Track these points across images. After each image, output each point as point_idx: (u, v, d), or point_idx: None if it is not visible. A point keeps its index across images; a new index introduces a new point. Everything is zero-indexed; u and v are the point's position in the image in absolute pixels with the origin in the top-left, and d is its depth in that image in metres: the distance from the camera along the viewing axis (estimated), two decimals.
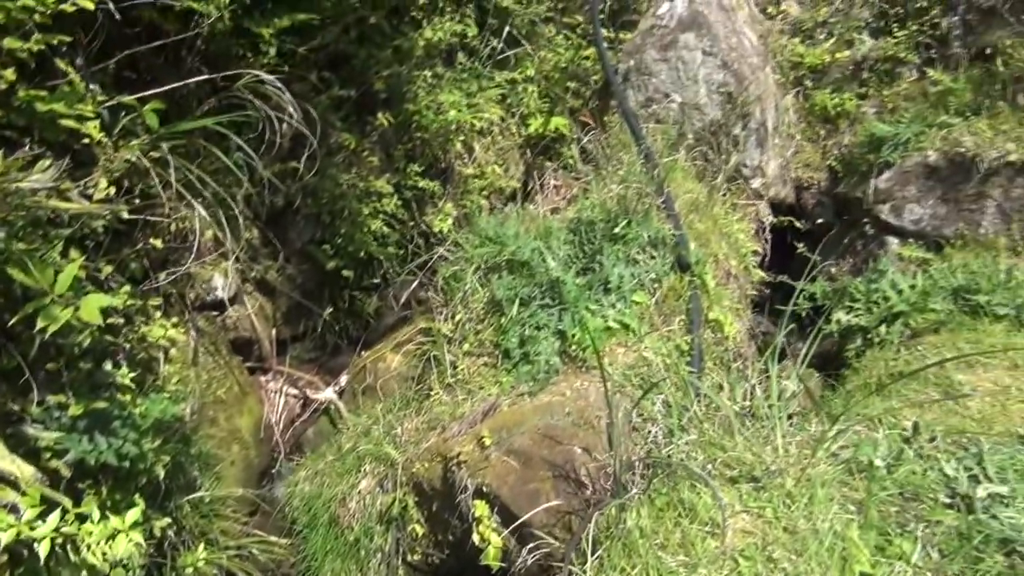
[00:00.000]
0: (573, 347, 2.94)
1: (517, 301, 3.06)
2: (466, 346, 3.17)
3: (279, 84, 3.19)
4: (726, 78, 3.82)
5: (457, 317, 3.25)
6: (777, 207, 4.28)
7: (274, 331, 4.32)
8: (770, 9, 4.43)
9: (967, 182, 3.66)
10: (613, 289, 3.08)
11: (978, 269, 3.43)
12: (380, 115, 4.38)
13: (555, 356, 2.94)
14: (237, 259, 3.81)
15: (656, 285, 3.15)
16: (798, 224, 4.23)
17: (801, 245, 4.19)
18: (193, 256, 3.34)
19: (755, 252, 3.94)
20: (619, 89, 3.96)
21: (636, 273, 3.14)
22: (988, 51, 3.84)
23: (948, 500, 1.98)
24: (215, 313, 3.88)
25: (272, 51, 3.77)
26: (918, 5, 4.02)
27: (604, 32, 5.20)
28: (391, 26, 4.51)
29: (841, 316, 3.29)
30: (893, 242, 4.03)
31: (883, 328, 3.13)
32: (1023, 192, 3.55)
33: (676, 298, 3.13)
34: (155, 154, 2.88)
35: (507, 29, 5.00)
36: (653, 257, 3.25)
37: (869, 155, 4.00)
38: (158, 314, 3.19)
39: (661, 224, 3.35)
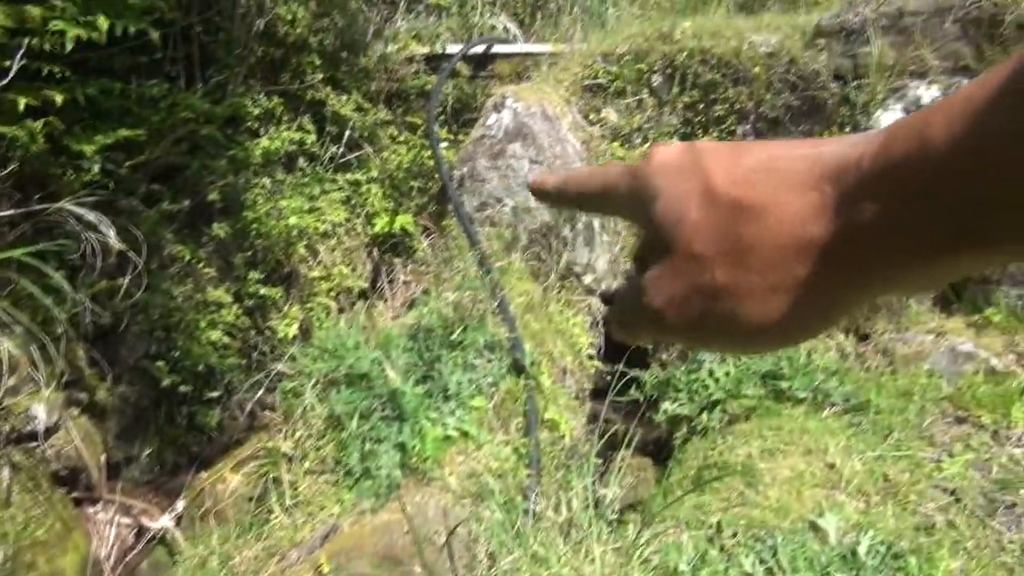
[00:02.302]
0: (414, 459, 2.97)
1: (357, 415, 3.07)
2: (307, 464, 3.12)
3: (92, 214, 3.08)
4: None
5: (297, 434, 3.21)
6: (610, 299, 4.55)
7: (104, 456, 4.06)
8: (591, 116, 4.79)
9: None
10: (452, 396, 3.16)
11: (783, 355, 3.77)
12: (216, 225, 4.33)
13: (396, 469, 2.96)
14: (60, 384, 3.61)
15: (494, 389, 3.25)
16: None
17: None
18: (4, 390, 3.14)
19: (591, 344, 4.15)
20: (455, 194, 4.13)
21: (474, 378, 3.24)
22: None
23: None
24: (35, 444, 3.61)
25: (96, 168, 3.68)
26: (716, 114, 4.48)
27: (446, 133, 5.43)
28: (226, 136, 4.51)
29: (667, 406, 3.52)
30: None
31: (704, 416, 3.37)
32: None
33: (513, 401, 3.25)
34: None
35: (347, 133, 5.11)
36: (490, 361, 3.36)
37: None
38: None
39: (497, 328, 3.49)
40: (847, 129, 4.08)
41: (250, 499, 3.47)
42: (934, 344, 3.53)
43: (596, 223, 4.31)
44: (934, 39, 3.83)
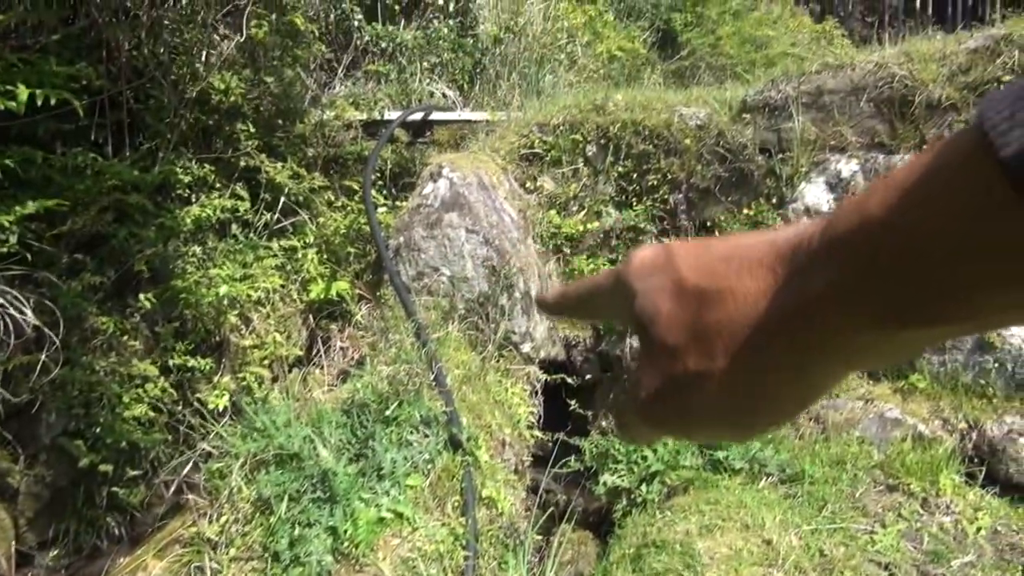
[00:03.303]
0: (346, 544, 2.85)
1: (286, 497, 2.95)
2: (232, 551, 2.97)
3: (7, 289, 2.95)
4: (489, 253, 4.09)
5: (223, 518, 3.06)
6: (550, 366, 4.53)
7: (14, 543, 3.81)
8: (528, 184, 4.85)
9: None
10: (387, 475, 3.07)
11: None
12: (143, 296, 4.19)
13: (327, 555, 2.84)
14: None
15: (430, 466, 3.17)
16: (570, 380, 4.50)
17: (574, 402, 4.43)
18: None
19: (531, 414, 4.12)
20: (390, 263, 4.10)
21: (409, 456, 3.16)
22: (709, 223, 4.44)
23: None
24: None
25: (13, 239, 3.54)
26: (650, 184, 4.59)
27: (384, 198, 5.42)
28: (155, 204, 4.41)
29: (607, 477, 3.50)
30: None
31: (643, 488, 3.36)
32: None
33: (450, 478, 3.17)
34: None
35: (282, 200, 5.05)
36: (427, 436, 3.29)
37: None
38: None
39: (433, 402, 3.43)
40: (773, 200, 4.23)
41: None
42: (864, 410, 3.60)
43: (534, 290, 4.32)
44: (851, 116, 4.02)
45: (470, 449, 3.28)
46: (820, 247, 0.38)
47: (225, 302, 4.54)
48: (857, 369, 0.43)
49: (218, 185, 4.70)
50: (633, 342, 4.37)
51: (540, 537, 3.27)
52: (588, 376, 4.69)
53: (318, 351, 5.26)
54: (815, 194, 4.10)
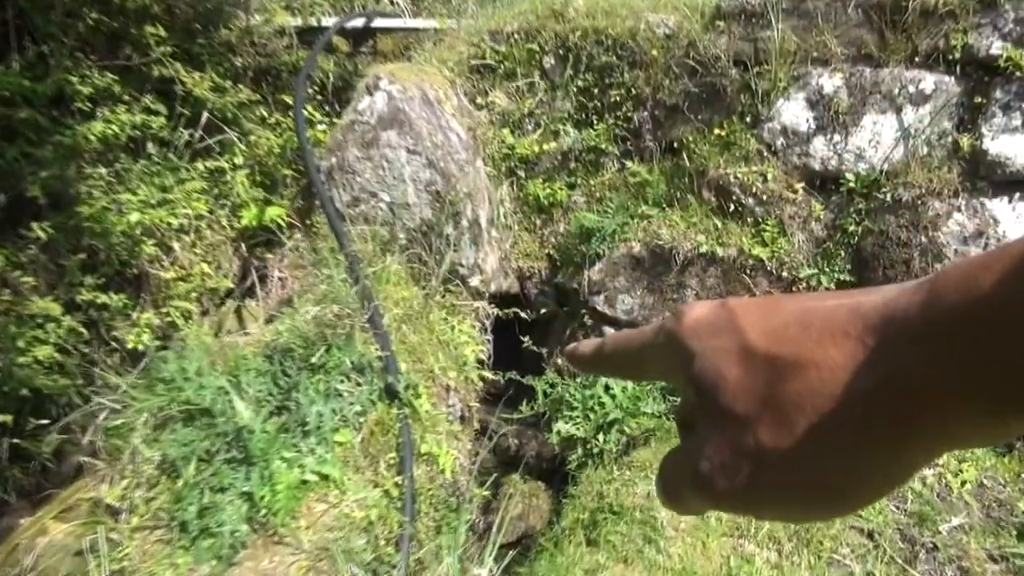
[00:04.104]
0: (263, 511, 2.51)
1: (195, 459, 2.59)
2: (135, 519, 2.62)
3: None
4: (433, 176, 3.66)
5: (124, 483, 2.69)
6: (502, 300, 4.18)
7: None
8: (479, 100, 4.37)
9: (668, 272, 3.79)
10: (312, 431, 2.72)
11: None
12: (37, 225, 3.68)
13: (242, 524, 2.50)
14: None
15: (362, 420, 2.83)
16: (524, 315, 4.16)
17: (527, 338, 4.11)
18: None
19: (480, 351, 3.78)
20: (321, 188, 3.64)
21: (339, 408, 2.80)
22: (676, 144, 4.04)
23: None
24: None
25: None
26: (612, 100, 4.15)
27: (322, 115, 4.90)
28: (50, 119, 3.85)
29: (561, 426, 3.19)
30: (609, 333, 4.08)
31: (600, 437, 3.06)
32: (715, 280, 3.73)
33: (385, 432, 2.83)
34: None
35: (204, 116, 4.51)
36: (359, 385, 2.93)
37: (581, 246, 4.03)
38: None
39: (367, 345, 3.05)
40: (747, 119, 3.83)
41: (77, 553, 2.93)
42: None
43: (483, 218, 3.92)
44: (836, 24, 3.60)
45: (408, 399, 2.93)
46: (919, 322, 0.35)
47: (139, 231, 4.05)
48: (960, 448, 0.38)
49: (126, 98, 4.13)
50: (591, 274, 4.01)
51: (488, 493, 2.97)
52: (543, 310, 4.35)
53: (253, 283, 4.83)
54: (793, 112, 3.71)
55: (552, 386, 3.78)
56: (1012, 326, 0.31)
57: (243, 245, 4.99)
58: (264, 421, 2.72)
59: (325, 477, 2.61)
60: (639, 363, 0.50)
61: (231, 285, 4.91)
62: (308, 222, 3.96)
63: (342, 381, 2.89)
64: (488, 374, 3.85)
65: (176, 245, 4.57)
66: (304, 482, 2.58)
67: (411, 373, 3.08)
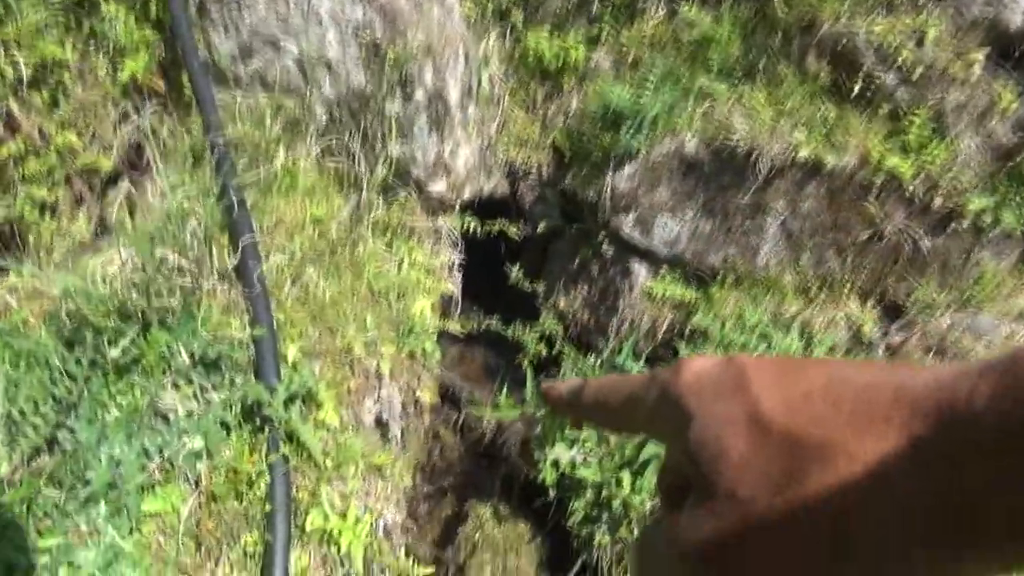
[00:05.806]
0: None
1: None
2: None
3: None
4: (369, 16, 2.21)
5: None
6: (482, 208, 2.84)
7: None
8: None
9: (740, 187, 2.42)
10: (99, 492, 1.46)
11: (756, 323, 2.24)
12: None
13: None
14: None
15: (199, 466, 1.56)
16: (513, 231, 2.84)
17: (516, 267, 2.81)
18: None
19: (440, 299, 2.49)
20: (187, 33, 2.21)
21: (155, 445, 1.53)
22: None
23: None
24: None
25: None
26: None
27: None
28: None
29: (560, 453, 1.93)
30: (640, 272, 2.75)
31: (626, 481, 1.83)
32: (817, 205, 2.36)
33: (243, 490, 1.57)
34: None
35: None
36: (206, 393, 1.65)
37: (604, 135, 2.63)
38: None
39: (228, 316, 1.75)
40: None
41: None
42: None
43: (452, 88, 2.50)
44: None
45: (289, 420, 1.65)
46: (990, 415, 0.26)
47: None
48: (1013, 570, 0.28)
49: None
50: (617, 180, 2.64)
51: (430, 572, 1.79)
52: (542, 224, 2.99)
53: (149, 158, 3.50)
54: None
55: (550, 343, 2.53)
56: None
57: (131, 106, 3.62)
58: (14, 470, 1.46)
59: None
60: (625, 417, 0.43)
61: (111, 163, 3.59)
62: (173, 88, 2.55)
63: (167, 390, 1.60)
64: (455, 325, 2.59)
65: (14, 104, 3.24)
66: None
67: (307, 362, 1.79)
